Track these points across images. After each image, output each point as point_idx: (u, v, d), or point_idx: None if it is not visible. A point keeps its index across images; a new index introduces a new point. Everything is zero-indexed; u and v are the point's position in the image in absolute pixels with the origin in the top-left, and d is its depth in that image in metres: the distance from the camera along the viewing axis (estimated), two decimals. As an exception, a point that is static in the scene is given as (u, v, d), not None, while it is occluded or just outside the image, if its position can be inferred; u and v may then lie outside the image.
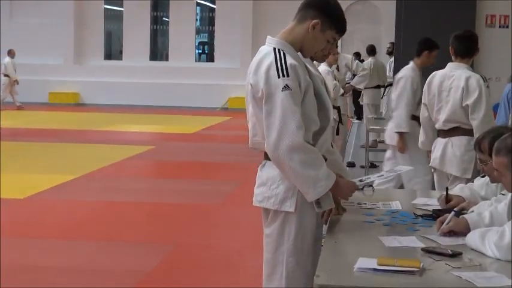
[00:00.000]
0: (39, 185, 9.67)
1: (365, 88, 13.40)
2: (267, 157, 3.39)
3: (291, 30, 3.43)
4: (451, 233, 3.16)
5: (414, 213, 3.68)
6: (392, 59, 15.04)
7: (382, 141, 13.74)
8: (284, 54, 3.30)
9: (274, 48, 3.33)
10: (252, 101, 3.37)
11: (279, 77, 3.23)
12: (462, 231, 3.14)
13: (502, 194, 3.53)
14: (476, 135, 5.44)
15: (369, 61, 14.30)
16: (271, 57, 3.29)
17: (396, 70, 12.23)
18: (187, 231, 7.59)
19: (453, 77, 5.58)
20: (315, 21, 3.35)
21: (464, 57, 5.61)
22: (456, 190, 3.97)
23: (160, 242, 7.11)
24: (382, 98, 14.32)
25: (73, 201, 9.07)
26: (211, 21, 25.53)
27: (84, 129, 16.90)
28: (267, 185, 3.40)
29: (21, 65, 22.59)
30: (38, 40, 23.58)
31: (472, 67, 5.99)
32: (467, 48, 5.61)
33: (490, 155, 3.43)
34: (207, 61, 26.18)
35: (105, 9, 25.16)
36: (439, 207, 3.78)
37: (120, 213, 8.40)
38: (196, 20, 25.73)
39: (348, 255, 3.00)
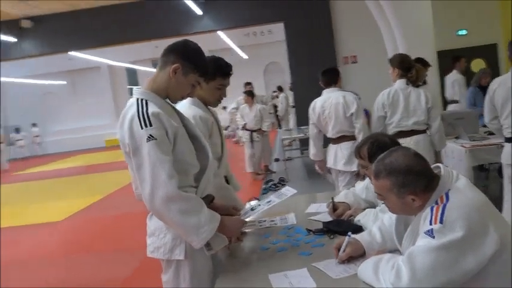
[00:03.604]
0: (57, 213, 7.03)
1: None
2: None
3: (155, 78, 1.82)
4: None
5: (307, 229, 2.12)
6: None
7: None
8: (146, 103, 1.71)
9: (138, 99, 1.75)
10: (124, 155, 1.78)
11: (142, 128, 1.65)
12: (359, 254, 1.67)
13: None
14: (359, 135, 3.92)
15: (281, 95, 13.46)
16: (133, 109, 1.71)
17: (296, 100, 10.73)
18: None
19: (331, 98, 4.08)
20: (175, 65, 1.76)
21: (328, 85, 4.09)
22: (341, 196, 2.42)
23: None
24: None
25: (87, 219, 6.55)
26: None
27: (114, 161, 14.28)
28: (156, 235, 1.81)
29: (87, 127, 22.86)
30: (93, 110, 22.78)
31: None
32: (329, 79, 4.10)
33: (370, 161, 1.97)
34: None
35: (128, 88, 23.65)
36: (329, 218, 2.24)
37: (118, 224, 6.17)
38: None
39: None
